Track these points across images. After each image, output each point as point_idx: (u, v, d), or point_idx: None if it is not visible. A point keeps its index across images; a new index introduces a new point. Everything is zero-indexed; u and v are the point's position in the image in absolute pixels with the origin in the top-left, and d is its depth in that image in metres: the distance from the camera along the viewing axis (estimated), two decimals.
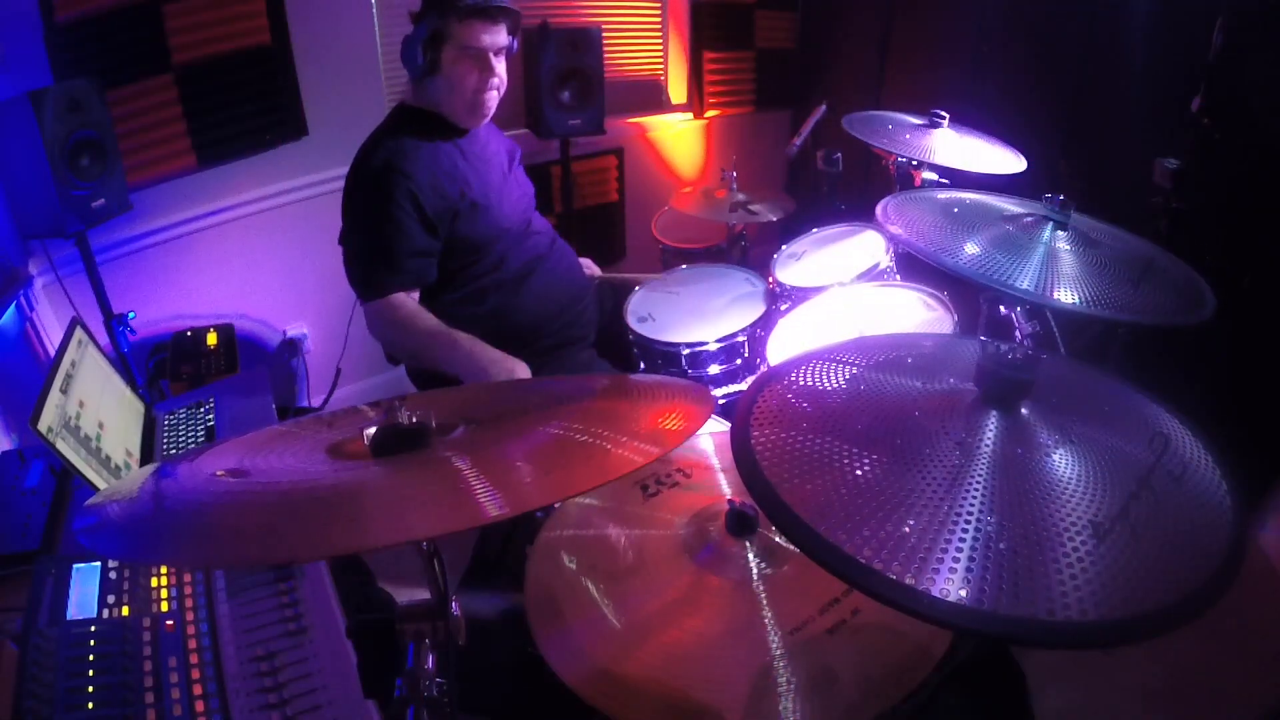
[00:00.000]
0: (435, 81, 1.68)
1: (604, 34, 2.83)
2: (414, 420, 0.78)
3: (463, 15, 1.60)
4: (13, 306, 1.89)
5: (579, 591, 0.96)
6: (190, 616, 1.01)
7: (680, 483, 1.11)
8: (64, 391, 1.27)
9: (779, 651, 0.85)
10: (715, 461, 1.15)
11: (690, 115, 3.50)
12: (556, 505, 1.10)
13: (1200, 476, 0.70)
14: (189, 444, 1.51)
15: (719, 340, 1.74)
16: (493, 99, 1.72)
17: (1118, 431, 0.75)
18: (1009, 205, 1.34)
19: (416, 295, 1.70)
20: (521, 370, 1.61)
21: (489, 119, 1.78)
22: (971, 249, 1.18)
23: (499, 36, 1.66)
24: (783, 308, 1.78)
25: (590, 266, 2.16)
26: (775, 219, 2.54)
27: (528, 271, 1.82)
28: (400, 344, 1.71)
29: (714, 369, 1.76)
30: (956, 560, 0.59)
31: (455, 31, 1.61)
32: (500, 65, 1.69)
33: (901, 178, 1.93)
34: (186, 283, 2.37)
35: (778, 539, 0.96)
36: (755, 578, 0.93)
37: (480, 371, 1.57)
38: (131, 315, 2.09)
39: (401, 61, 1.68)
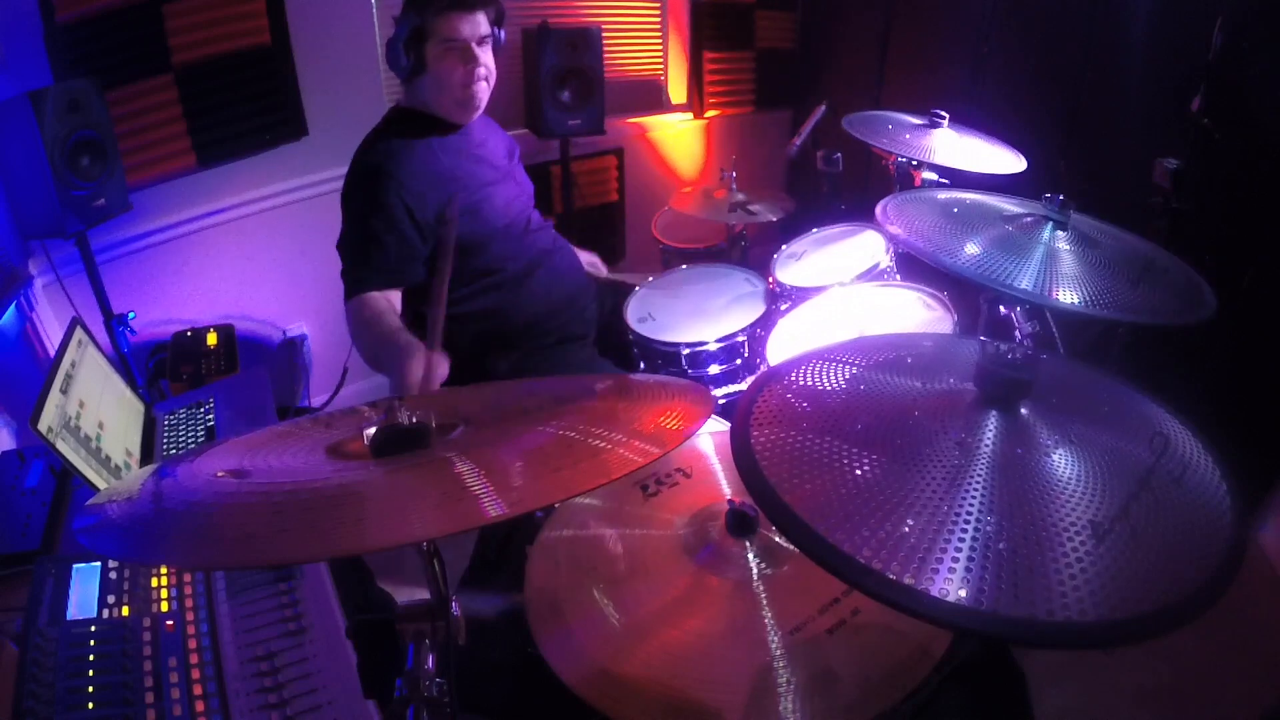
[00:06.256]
0: (423, 80, 1.67)
1: (604, 34, 2.83)
2: (414, 420, 0.78)
3: (440, 9, 1.60)
4: (13, 306, 1.89)
5: (579, 591, 0.96)
6: (190, 616, 1.01)
7: (680, 483, 1.11)
8: (64, 391, 1.27)
9: (779, 651, 0.85)
10: (715, 461, 1.15)
11: (690, 115, 3.50)
12: (556, 505, 1.09)
13: (1200, 477, 0.70)
14: (189, 444, 1.51)
15: (719, 340, 1.74)
16: (482, 90, 1.70)
17: (1118, 431, 0.75)
18: (1009, 205, 1.34)
19: (396, 297, 1.65)
20: (415, 363, 1.37)
21: (482, 111, 1.77)
22: (971, 249, 1.18)
23: (479, 26, 1.64)
24: (783, 308, 1.78)
25: (593, 261, 2.15)
26: (775, 219, 2.54)
27: (530, 270, 1.81)
28: (364, 343, 1.59)
29: (714, 369, 1.76)
30: (956, 560, 0.59)
31: (435, 27, 1.61)
32: (485, 55, 1.67)
33: (901, 178, 1.93)
34: (187, 283, 2.37)
35: (778, 539, 0.96)
36: (755, 578, 0.93)
37: (399, 372, 1.38)
38: (131, 315, 2.09)
39: (388, 64, 1.68)
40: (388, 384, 2.68)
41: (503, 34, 1.72)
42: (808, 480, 0.68)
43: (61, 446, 1.17)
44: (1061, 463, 0.69)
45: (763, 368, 1.60)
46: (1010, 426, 0.72)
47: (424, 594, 0.76)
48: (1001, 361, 0.74)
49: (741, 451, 0.72)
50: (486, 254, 1.75)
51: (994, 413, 0.73)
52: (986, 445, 0.70)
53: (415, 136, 1.68)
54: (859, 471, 0.69)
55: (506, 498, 0.60)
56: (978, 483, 0.66)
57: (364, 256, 1.62)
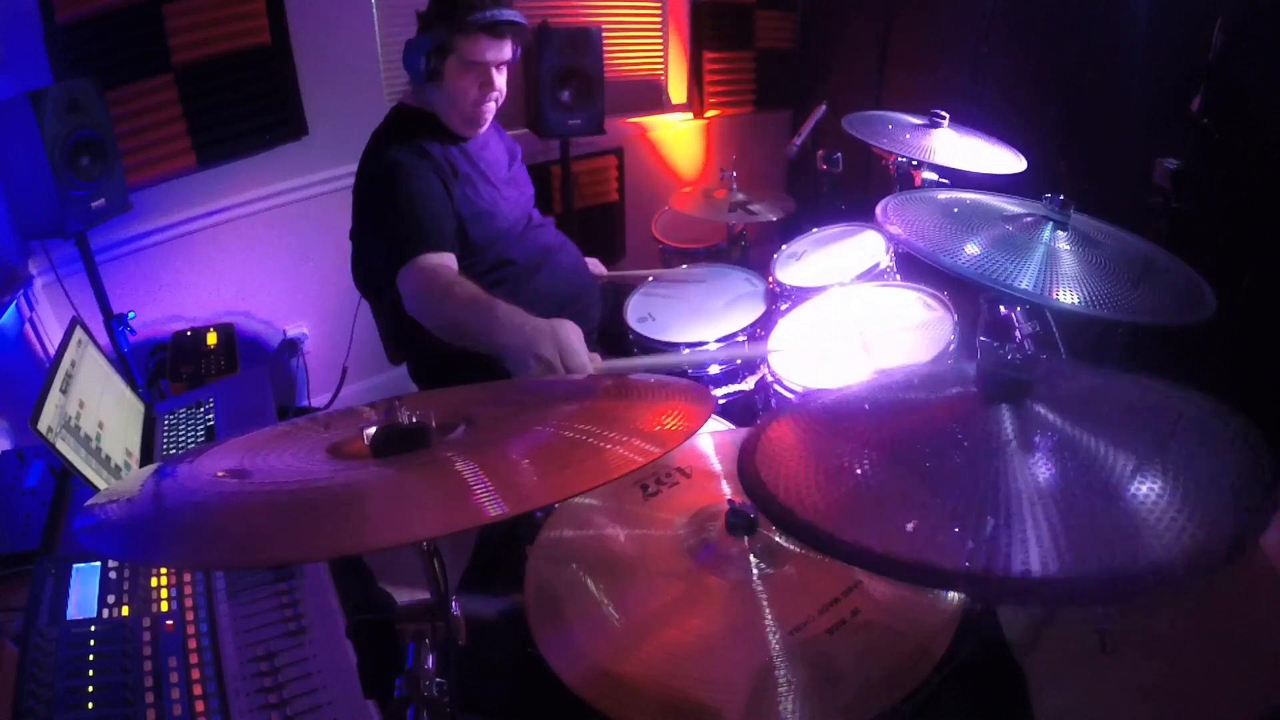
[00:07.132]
0: (435, 89, 1.68)
1: (604, 34, 2.83)
2: (414, 420, 0.78)
3: (470, 30, 1.60)
4: (13, 306, 1.89)
5: (579, 591, 0.96)
6: (190, 616, 1.01)
7: (680, 483, 1.11)
8: (64, 391, 1.27)
9: (779, 651, 0.85)
10: (715, 462, 1.15)
11: (690, 115, 3.50)
12: (556, 505, 1.09)
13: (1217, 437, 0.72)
14: (189, 444, 1.51)
15: (719, 340, 1.74)
16: (490, 110, 1.73)
17: (1138, 414, 0.76)
18: (1009, 205, 1.34)
19: (453, 262, 1.57)
20: (569, 329, 1.31)
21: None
22: (971, 249, 1.18)
23: (503, 52, 1.66)
24: (783, 308, 1.77)
25: (596, 266, 2.15)
26: (775, 219, 2.54)
27: (535, 266, 1.82)
28: (438, 314, 1.50)
29: (714, 369, 1.76)
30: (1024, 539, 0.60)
31: (460, 45, 1.62)
32: (500, 78, 1.70)
33: (901, 178, 1.93)
34: (186, 283, 2.37)
35: (778, 539, 0.96)
36: (755, 578, 0.93)
37: (524, 336, 1.30)
38: (131, 315, 2.09)
39: (403, 64, 1.68)
40: (389, 383, 2.69)
41: (519, 52, 1.73)
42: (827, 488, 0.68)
43: (61, 446, 1.17)
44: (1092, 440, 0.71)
45: (762, 369, 1.61)
46: (1025, 418, 0.74)
47: (424, 594, 0.76)
48: (1004, 362, 0.74)
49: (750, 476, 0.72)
50: (487, 257, 1.75)
51: (1005, 407, 0.75)
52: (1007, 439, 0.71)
53: (423, 137, 1.69)
54: (874, 475, 0.69)
55: (506, 497, 0.60)
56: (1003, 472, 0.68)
57: (415, 222, 1.54)
